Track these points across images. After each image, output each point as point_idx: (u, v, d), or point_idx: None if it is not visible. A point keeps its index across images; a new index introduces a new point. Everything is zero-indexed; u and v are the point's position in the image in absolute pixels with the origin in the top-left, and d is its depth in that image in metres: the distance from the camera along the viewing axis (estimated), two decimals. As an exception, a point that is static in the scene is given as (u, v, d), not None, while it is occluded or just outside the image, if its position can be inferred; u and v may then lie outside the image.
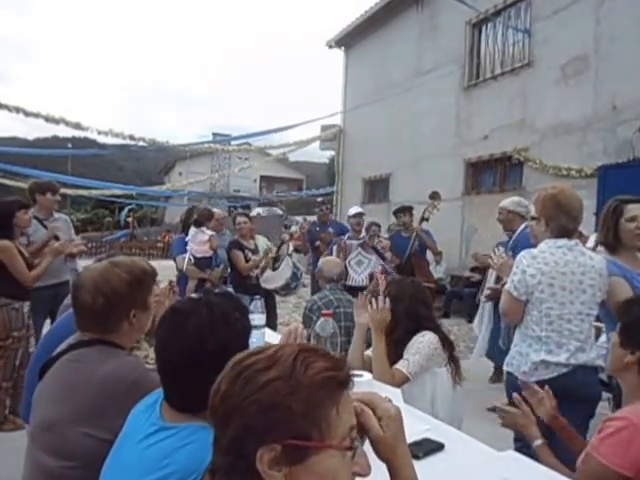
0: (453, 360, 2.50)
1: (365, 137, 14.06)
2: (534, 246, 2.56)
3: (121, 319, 1.66)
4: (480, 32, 10.83)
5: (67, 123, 11.60)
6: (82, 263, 2.68)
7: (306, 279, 7.69)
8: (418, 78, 11.95)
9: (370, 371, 2.26)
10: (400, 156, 12.42)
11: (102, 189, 20.96)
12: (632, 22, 7.53)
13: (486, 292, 4.31)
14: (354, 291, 3.43)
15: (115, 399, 1.45)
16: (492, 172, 10.42)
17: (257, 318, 2.26)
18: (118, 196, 24.24)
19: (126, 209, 32.64)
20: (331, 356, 0.86)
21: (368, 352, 2.66)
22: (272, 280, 5.44)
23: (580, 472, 1.62)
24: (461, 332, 7.90)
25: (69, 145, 30.74)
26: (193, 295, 1.38)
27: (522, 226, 4.16)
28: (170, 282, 2.65)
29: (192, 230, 5.10)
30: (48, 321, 4.20)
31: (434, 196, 6.17)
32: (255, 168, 28.83)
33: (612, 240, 2.60)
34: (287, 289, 5.58)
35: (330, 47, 15.71)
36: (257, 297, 2.63)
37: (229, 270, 5.40)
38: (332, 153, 21.28)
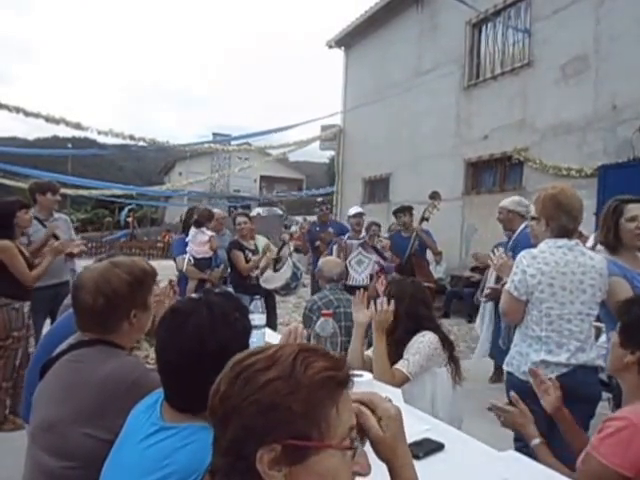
0: (453, 360, 2.50)
1: (365, 137, 14.06)
2: (534, 246, 2.56)
3: (121, 319, 1.66)
4: (480, 32, 10.83)
5: (67, 123, 11.61)
6: (82, 263, 2.68)
7: (306, 279, 7.69)
8: (418, 78, 11.95)
9: (370, 371, 2.27)
10: (400, 156, 12.42)
11: (102, 189, 20.96)
12: (632, 22, 7.53)
13: (486, 291, 4.31)
14: (355, 291, 3.43)
15: (115, 399, 1.45)
16: (492, 172, 10.42)
17: (257, 318, 2.26)
18: (118, 196, 24.25)
19: (126, 209, 32.64)
20: (331, 356, 0.86)
21: (368, 352, 2.66)
22: (272, 280, 5.44)
23: (580, 472, 1.62)
24: (461, 332, 7.90)
25: (69, 145, 30.74)
26: (193, 295, 1.38)
27: (522, 226, 4.16)
28: (170, 281, 2.65)
29: (192, 231, 5.10)
30: (48, 321, 4.20)
31: (434, 196, 6.17)
32: (255, 168, 28.83)
33: (612, 240, 2.60)
34: (287, 289, 5.58)
35: (330, 47, 15.71)
36: (257, 297, 2.63)
37: (229, 270, 5.40)
38: (332, 153, 21.29)
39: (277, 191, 36.79)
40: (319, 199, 9.23)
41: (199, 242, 5.05)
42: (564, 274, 2.38)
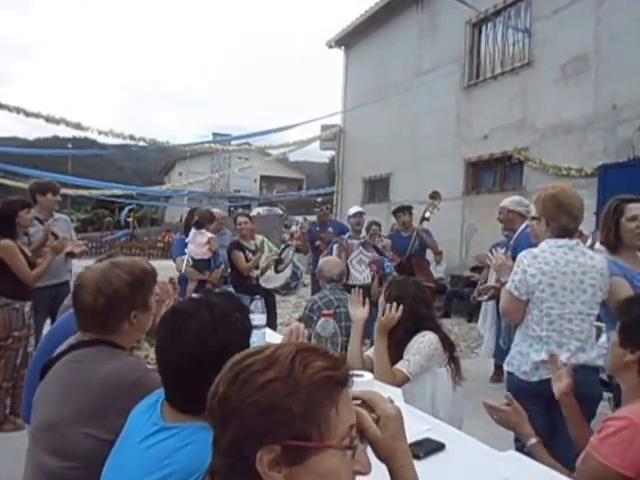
0: (454, 360, 2.50)
1: (365, 137, 14.06)
2: (535, 246, 2.56)
3: (122, 319, 1.66)
4: (480, 32, 10.83)
5: (67, 123, 11.61)
6: (82, 263, 2.68)
7: (306, 279, 7.70)
8: (418, 78, 11.95)
9: (370, 371, 2.27)
10: (400, 156, 12.42)
11: (102, 189, 20.97)
12: (632, 22, 7.53)
13: (479, 288, 4.31)
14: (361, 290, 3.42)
15: (116, 399, 1.45)
16: (492, 172, 10.41)
17: (258, 318, 2.26)
18: (118, 196, 24.26)
19: (126, 209, 32.66)
20: (329, 355, 0.86)
21: (369, 352, 2.66)
22: (272, 280, 5.44)
23: (580, 472, 1.62)
24: (461, 332, 7.90)
25: (69, 145, 30.77)
26: (194, 295, 1.38)
27: (523, 226, 4.16)
28: (171, 279, 2.64)
29: (192, 232, 5.10)
30: (48, 321, 4.20)
31: (434, 196, 6.17)
32: (255, 168, 28.83)
33: (613, 240, 2.60)
34: (287, 288, 5.59)
35: (330, 47, 15.71)
36: (257, 297, 2.63)
37: (229, 270, 5.40)
38: (332, 153, 21.31)
39: (277, 191, 36.82)
40: (319, 199, 9.23)
41: (198, 243, 5.06)
42: (565, 274, 2.38)
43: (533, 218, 2.72)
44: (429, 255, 6.91)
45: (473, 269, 8.94)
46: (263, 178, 39.66)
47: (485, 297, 4.41)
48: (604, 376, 2.87)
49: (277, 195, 33.00)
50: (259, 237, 5.65)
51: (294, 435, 0.77)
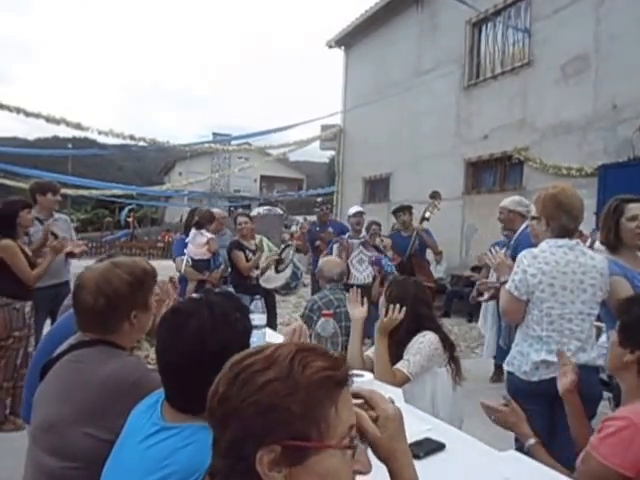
0: (454, 360, 2.50)
1: (365, 137, 14.06)
2: (535, 246, 2.56)
3: (122, 319, 1.66)
4: (480, 32, 10.83)
5: (67, 123, 11.63)
6: (82, 263, 2.68)
7: (306, 279, 7.70)
8: (418, 78, 11.95)
9: (370, 371, 2.27)
10: (400, 156, 12.42)
11: (102, 189, 20.97)
12: (632, 21, 7.53)
13: (478, 287, 4.31)
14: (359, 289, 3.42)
15: (116, 399, 1.45)
16: (492, 172, 10.42)
17: (258, 318, 2.25)
18: (118, 196, 24.26)
19: (126, 209, 32.66)
20: (329, 355, 0.86)
21: (369, 352, 2.66)
22: (272, 279, 5.44)
23: (580, 472, 1.62)
24: (461, 331, 7.91)
25: (69, 145, 30.79)
26: (194, 295, 1.38)
27: (523, 226, 4.16)
28: (171, 278, 2.64)
29: (192, 232, 5.11)
30: (48, 321, 4.20)
31: (434, 196, 6.17)
32: (255, 168, 28.82)
33: (613, 239, 2.60)
34: (287, 288, 5.59)
35: (330, 47, 15.72)
36: (257, 297, 2.63)
37: (229, 270, 5.40)
38: (332, 153, 21.30)
39: (277, 191, 36.81)
40: (319, 199, 9.23)
41: (197, 244, 5.06)
42: (565, 274, 2.38)
43: (533, 218, 2.72)
44: (429, 255, 6.91)
45: (473, 269, 8.93)
46: (263, 178, 39.66)
47: (485, 297, 4.41)
48: (604, 376, 2.87)
49: (277, 195, 32.98)
50: (258, 237, 5.65)
51: (294, 435, 0.77)
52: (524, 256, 2.48)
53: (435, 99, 11.41)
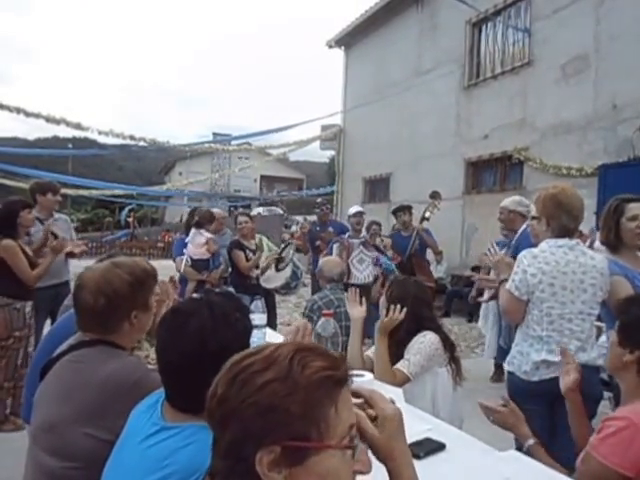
0: (454, 360, 2.50)
1: (365, 137, 14.06)
2: (535, 246, 2.56)
3: (122, 320, 1.66)
4: (480, 31, 10.83)
5: (68, 123, 11.63)
6: (82, 263, 2.68)
7: (306, 279, 7.70)
8: (418, 77, 11.95)
9: (370, 371, 2.27)
10: (400, 156, 12.42)
11: (102, 189, 20.98)
12: (632, 21, 7.53)
13: (477, 286, 4.32)
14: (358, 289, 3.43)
15: (116, 400, 1.45)
16: (492, 171, 10.42)
17: (258, 318, 2.26)
18: (118, 196, 24.25)
19: (126, 209, 32.67)
20: (328, 354, 0.86)
21: (369, 352, 2.66)
22: (272, 279, 5.44)
23: (580, 472, 1.62)
24: (461, 331, 7.91)
25: (69, 145, 30.79)
26: (194, 295, 1.38)
27: (524, 226, 4.16)
28: (171, 277, 2.65)
29: (192, 231, 5.11)
30: (48, 321, 4.20)
31: (434, 195, 6.17)
32: (255, 168, 28.86)
33: (613, 239, 2.60)
34: (287, 288, 5.59)
35: (330, 47, 15.72)
36: (258, 297, 2.63)
37: (230, 270, 5.40)
38: (332, 153, 21.30)
39: (277, 191, 36.80)
40: (319, 199, 9.22)
41: (197, 243, 5.06)
42: (565, 273, 2.38)
43: (533, 218, 2.72)
44: (429, 255, 6.91)
45: (473, 269, 8.92)
46: (263, 178, 39.67)
47: (485, 298, 4.41)
48: (605, 376, 2.87)
49: (277, 195, 32.98)
50: (258, 236, 5.65)
51: (293, 435, 0.77)
52: (524, 256, 2.48)
53: (435, 99, 11.41)
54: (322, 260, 4.09)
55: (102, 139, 16.68)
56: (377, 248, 5.59)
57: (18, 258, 3.66)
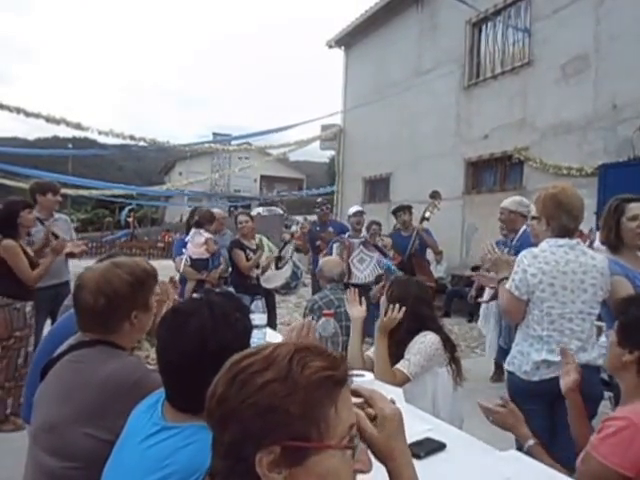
0: (455, 361, 2.50)
1: (365, 137, 14.06)
2: (536, 245, 2.55)
3: (122, 320, 1.66)
4: (480, 31, 10.83)
5: (68, 123, 11.63)
6: (83, 263, 2.69)
7: (307, 279, 7.70)
8: (418, 77, 11.95)
9: (371, 370, 2.27)
10: (400, 155, 12.42)
11: (102, 189, 20.98)
12: (632, 21, 7.53)
13: (477, 286, 4.32)
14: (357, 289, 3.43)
15: (116, 400, 1.45)
16: (492, 171, 10.42)
17: (258, 318, 2.26)
18: (118, 196, 24.27)
19: (126, 209, 32.66)
20: (328, 354, 0.85)
21: (369, 352, 2.66)
22: (272, 279, 5.45)
23: (580, 472, 1.62)
24: (462, 331, 7.91)
25: (69, 145, 30.79)
26: (194, 295, 1.38)
27: (525, 226, 4.16)
28: (171, 278, 2.65)
29: (192, 231, 5.11)
30: (49, 321, 4.20)
31: (434, 195, 6.17)
32: (255, 168, 28.86)
33: (614, 239, 2.60)
34: (287, 288, 5.59)
35: (330, 47, 15.72)
36: (258, 297, 2.63)
37: (230, 270, 5.40)
38: (332, 153, 21.30)
39: (277, 191, 36.80)
40: (319, 199, 9.21)
41: (196, 243, 5.06)
42: (565, 273, 2.38)
43: (533, 218, 2.72)
44: (429, 255, 6.91)
45: (474, 269, 8.92)
46: (263, 178, 39.67)
47: (485, 298, 4.41)
48: (605, 375, 2.87)
49: (277, 195, 32.98)
50: (258, 236, 5.65)
51: (293, 436, 0.77)
52: (524, 256, 2.48)
53: (435, 99, 11.41)
54: (322, 260, 4.09)
55: (102, 139, 16.69)
56: (377, 248, 5.59)
57: (19, 258, 3.66)
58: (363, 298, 2.71)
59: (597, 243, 3.20)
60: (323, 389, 0.80)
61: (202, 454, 0.98)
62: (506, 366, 2.63)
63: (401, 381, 2.30)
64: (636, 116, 7.37)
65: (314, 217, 8.68)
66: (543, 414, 2.32)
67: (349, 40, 15.01)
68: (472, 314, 8.31)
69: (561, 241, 2.44)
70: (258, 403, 0.77)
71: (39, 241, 4.16)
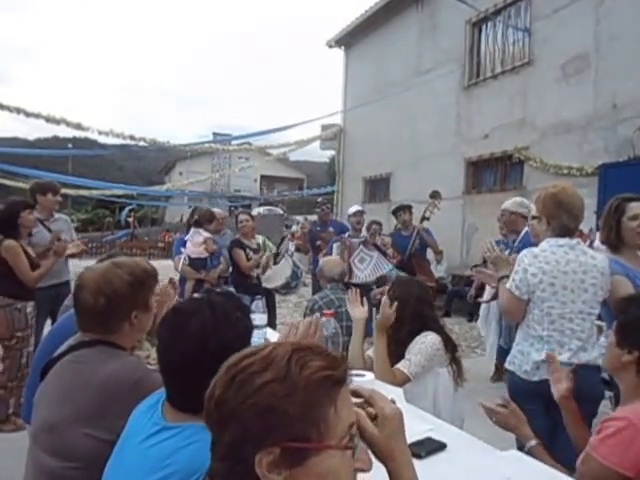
0: (455, 361, 2.50)
1: (365, 136, 14.06)
2: (536, 245, 2.55)
3: (122, 320, 1.66)
4: (480, 31, 10.83)
5: (68, 123, 11.63)
6: (83, 263, 2.69)
7: (307, 278, 7.70)
8: (418, 77, 11.95)
9: (371, 370, 2.27)
10: (400, 155, 12.42)
11: (103, 189, 20.98)
12: (632, 21, 7.53)
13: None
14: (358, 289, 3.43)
15: (116, 400, 1.44)
16: (493, 171, 10.42)
17: (258, 318, 2.26)
18: (119, 196, 24.27)
19: (127, 209, 32.67)
20: (326, 354, 0.85)
21: (369, 352, 2.66)
22: (272, 279, 5.45)
23: (580, 472, 1.61)
24: (462, 331, 7.91)
25: (70, 145, 30.76)
26: (195, 295, 1.38)
27: (527, 228, 4.15)
28: (171, 279, 2.64)
29: (191, 230, 5.12)
30: (49, 321, 4.20)
31: (435, 195, 6.17)
32: (255, 168, 28.88)
33: (614, 239, 2.60)
34: (287, 288, 5.59)
35: (330, 47, 15.72)
36: (258, 297, 2.63)
37: (230, 269, 5.39)
38: (332, 152, 21.30)
39: (277, 191, 36.81)
40: (319, 199, 9.21)
41: (195, 242, 5.06)
42: (565, 273, 2.38)
43: (534, 217, 2.72)
44: (430, 254, 6.91)
45: (474, 267, 8.92)
46: (263, 178, 39.68)
47: (486, 298, 4.40)
48: (606, 375, 2.87)
49: (278, 195, 32.98)
50: (259, 237, 5.65)
51: (293, 436, 0.77)
52: (525, 255, 2.47)
53: (435, 99, 11.41)
54: (322, 260, 4.09)
55: (102, 139, 16.70)
56: (377, 247, 5.59)
57: (19, 259, 3.67)
58: (365, 299, 2.71)
59: (597, 243, 3.20)
60: (322, 389, 0.80)
61: (203, 454, 0.98)
62: (506, 366, 2.63)
63: (401, 381, 2.30)
64: (636, 116, 7.37)
65: (314, 217, 8.69)
66: (543, 414, 2.32)
67: (349, 40, 15.01)
68: (472, 314, 8.30)
69: (561, 241, 2.44)
70: (257, 404, 0.77)
71: (40, 241, 4.16)
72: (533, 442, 1.83)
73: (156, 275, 1.81)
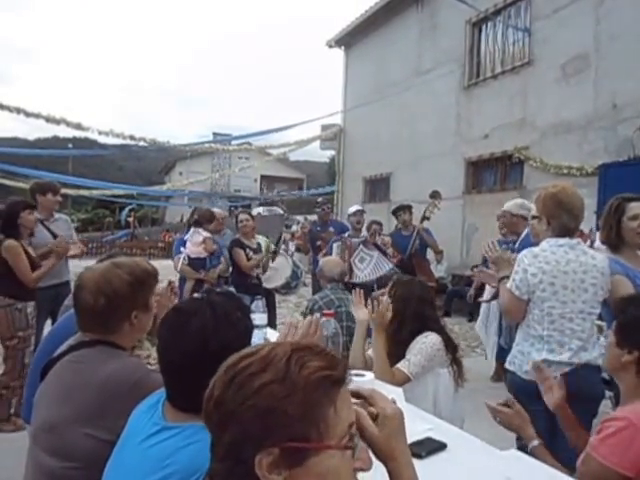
0: (456, 362, 2.50)
1: (365, 136, 14.06)
2: (536, 245, 2.55)
3: (122, 320, 1.66)
4: (480, 31, 10.83)
5: (68, 123, 11.64)
6: (83, 263, 2.69)
7: (307, 278, 7.70)
8: (418, 77, 11.95)
9: (372, 370, 2.27)
10: (400, 155, 12.42)
11: (103, 189, 20.99)
12: (632, 21, 7.53)
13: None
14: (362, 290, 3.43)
15: (116, 400, 1.44)
16: (493, 171, 10.42)
17: (259, 318, 2.26)
18: (119, 196, 24.27)
19: (127, 209, 32.68)
20: (325, 354, 0.85)
21: (370, 352, 2.66)
22: (272, 279, 5.45)
23: (580, 473, 1.61)
24: (462, 331, 7.91)
25: (70, 145, 30.77)
26: (195, 295, 1.38)
27: (527, 229, 4.15)
28: (170, 282, 2.64)
29: (191, 230, 5.12)
30: (49, 321, 4.20)
31: (435, 195, 6.17)
32: (255, 168, 28.90)
33: (614, 238, 2.60)
34: (287, 288, 5.60)
35: (330, 47, 15.73)
36: (258, 297, 2.63)
37: (230, 269, 5.40)
38: (332, 152, 21.30)
39: (277, 191, 36.82)
40: (319, 198, 9.22)
41: (194, 242, 5.06)
42: (565, 273, 2.38)
43: (534, 217, 2.72)
44: (430, 254, 6.91)
45: (474, 268, 8.93)
46: (263, 178, 39.70)
47: (486, 298, 4.40)
48: (606, 375, 2.87)
49: (278, 195, 32.99)
50: (260, 237, 5.65)
51: (293, 437, 0.77)
52: (525, 255, 2.47)
53: (435, 99, 11.41)
54: (322, 260, 4.09)
55: (102, 139, 16.72)
56: (377, 247, 5.59)
57: (19, 259, 3.67)
58: (368, 299, 2.71)
59: (597, 243, 3.20)
60: (322, 389, 0.80)
61: (203, 454, 0.98)
62: (507, 366, 2.63)
63: (401, 380, 2.30)
64: (636, 116, 7.37)
65: (314, 217, 8.69)
66: (544, 414, 2.32)
67: (349, 40, 15.01)
68: (472, 314, 8.31)
69: (561, 241, 2.44)
70: (257, 405, 0.77)
71: (40, 241, 4.16)
72: (536, 442, 1.83)
73: (156, 275, 1.81)
